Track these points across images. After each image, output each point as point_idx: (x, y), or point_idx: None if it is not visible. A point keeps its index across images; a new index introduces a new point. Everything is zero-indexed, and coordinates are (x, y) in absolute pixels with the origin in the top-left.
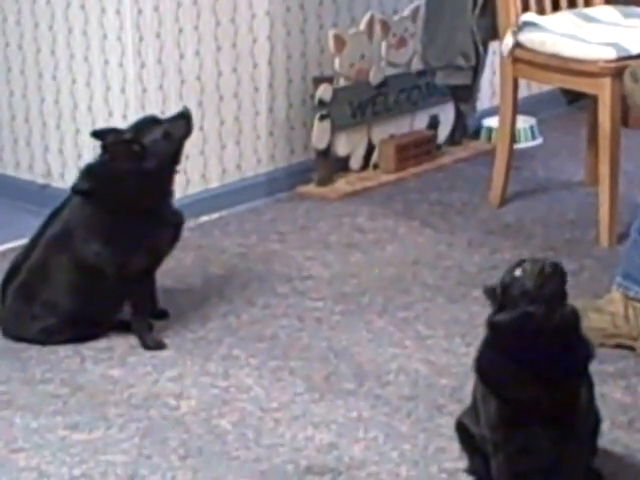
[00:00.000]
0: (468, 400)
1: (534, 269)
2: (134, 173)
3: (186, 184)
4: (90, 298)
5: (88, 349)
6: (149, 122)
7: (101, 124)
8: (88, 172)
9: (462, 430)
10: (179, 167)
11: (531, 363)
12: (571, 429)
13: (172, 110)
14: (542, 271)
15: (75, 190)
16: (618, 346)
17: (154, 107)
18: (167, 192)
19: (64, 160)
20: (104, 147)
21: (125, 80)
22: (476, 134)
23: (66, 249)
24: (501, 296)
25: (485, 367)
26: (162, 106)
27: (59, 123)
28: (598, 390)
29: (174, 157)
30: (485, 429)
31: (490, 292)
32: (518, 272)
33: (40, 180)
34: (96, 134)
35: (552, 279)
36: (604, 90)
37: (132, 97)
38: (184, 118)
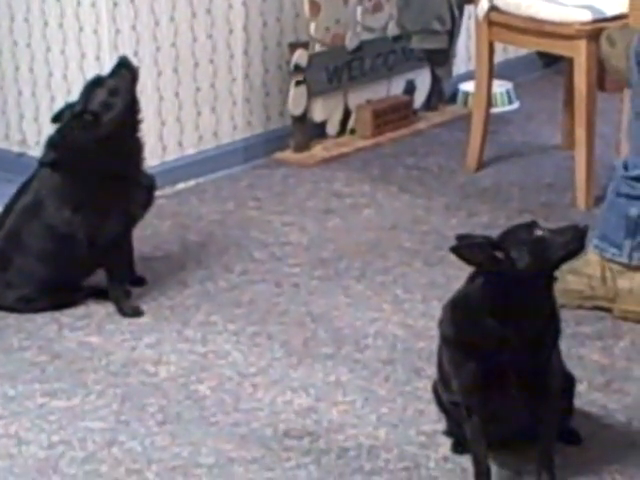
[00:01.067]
0: None
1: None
2: (94, 141)
3: (162, 151)
4: (64, 265)
5: (66, 316)
6: (92, 85)
7: (76, 92)
8: (51, 144)
9: (438, 393)
10: (141, 116)
11: (516, 321)
12: (544, 390)
13: (147, 77)
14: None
15: (42, 163)
16: (595, 308)
17: None
18: (134, 149)
19: (39, 128)
20: (61, 128)
21: (100, 47)
22: (452, 99)
23: (38, 217)
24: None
25: (462, 331)
26: None
27: (34, 91)
28: (575, 352)
29: (130, 110)
30: (459, 394)
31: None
32: (539, 232)
33: (16, 149)
34: (55, 119)
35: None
36: (580, 53)
37: (107, 64)
38: (124, 66)
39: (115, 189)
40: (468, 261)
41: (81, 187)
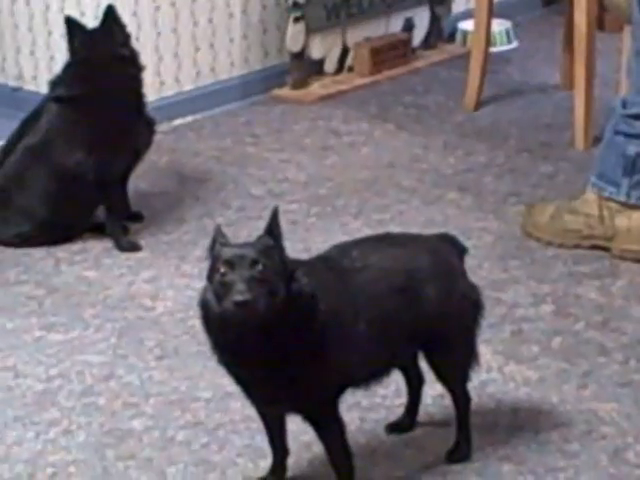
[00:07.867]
0: None
1: None
2: (119, 60)
3: (160, 86)
4: (67, 205)
5: (62, 251)
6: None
7: None
8: (63, 78)
9: None
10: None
11: None
12: None
13: (145, 13)
14: None
15: (54, 98)
16: (593, 247)
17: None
18: (141, 85)
19: (36, 62)
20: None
21: None
22: (451, 37)
23: (46, 159)
24: None
25: None
26: (134, 7)
27: (31, 25)
28: (573, 291)
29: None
30: None
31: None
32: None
33: (12, 83)
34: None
35: None
36: None
37: None
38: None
39: (124, 126)
40: None
41: (93, 126)
